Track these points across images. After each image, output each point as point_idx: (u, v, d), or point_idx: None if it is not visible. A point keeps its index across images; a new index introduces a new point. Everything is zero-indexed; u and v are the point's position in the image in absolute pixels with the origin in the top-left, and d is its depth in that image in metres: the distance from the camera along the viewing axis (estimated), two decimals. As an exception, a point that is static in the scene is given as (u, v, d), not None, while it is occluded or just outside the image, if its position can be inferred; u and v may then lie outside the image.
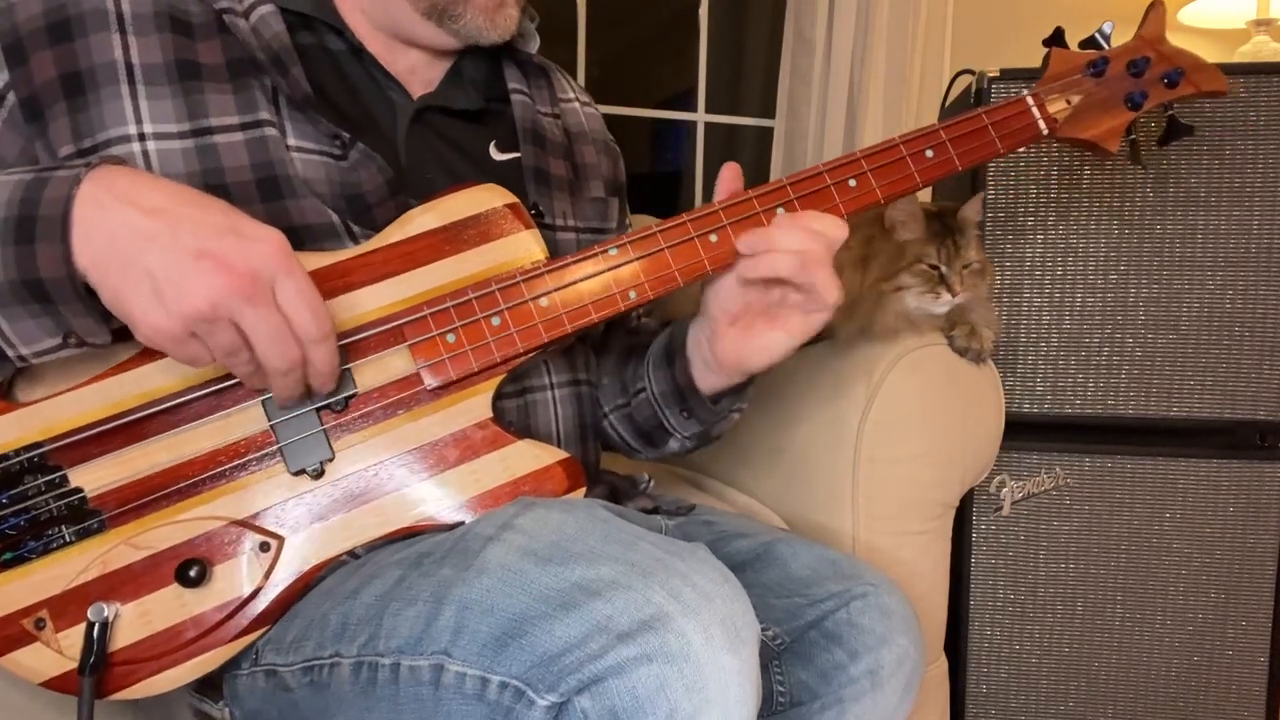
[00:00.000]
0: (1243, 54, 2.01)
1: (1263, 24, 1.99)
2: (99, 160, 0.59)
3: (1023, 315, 1.21)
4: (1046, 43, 0.84)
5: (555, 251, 0.81)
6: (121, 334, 0.61)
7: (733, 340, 0.77)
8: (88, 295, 0.58)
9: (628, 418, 0.91)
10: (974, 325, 1.08)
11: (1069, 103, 0.81)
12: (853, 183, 0.75)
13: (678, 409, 0.85)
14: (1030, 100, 0.81)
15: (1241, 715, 1.22)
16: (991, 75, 1.18)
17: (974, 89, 1.20)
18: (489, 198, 0.72)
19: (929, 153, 0.77)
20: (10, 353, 0.59)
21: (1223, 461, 1.19)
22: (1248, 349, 1.18)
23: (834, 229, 0.72)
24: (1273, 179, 1.15)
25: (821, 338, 1.09)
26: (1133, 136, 0.85)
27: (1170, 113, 0.86)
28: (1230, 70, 1.16)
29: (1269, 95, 1.14)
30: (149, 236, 0.56)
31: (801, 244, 0.71)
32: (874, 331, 1.05)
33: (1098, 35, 0.83)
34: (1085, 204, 1.18)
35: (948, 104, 1.40)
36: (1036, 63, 0.90)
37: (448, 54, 0.85)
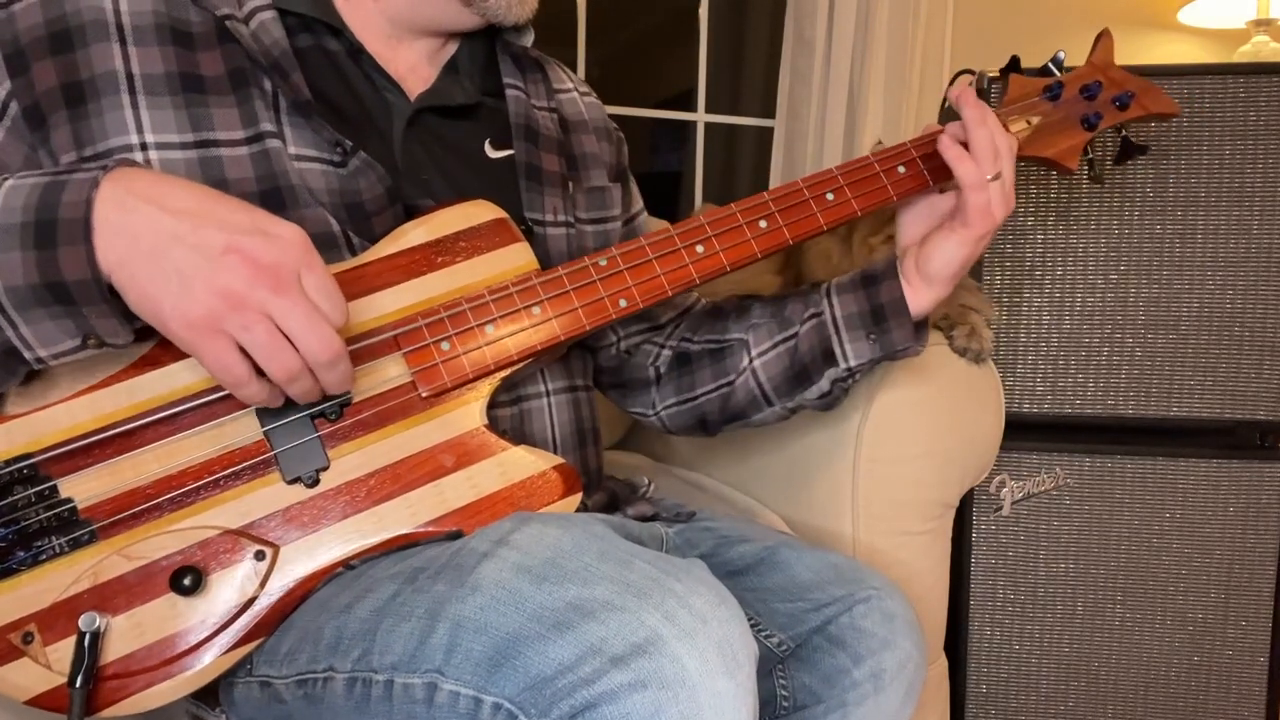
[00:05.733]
0: (1243, 54, 2.00)
1: (1263, 24, 1.98)
2: (114, 163, 0.59)
3: (1023, 315, 1.21)
4: (1003, 71, 0.90)
5: (546, 245, 0.83)
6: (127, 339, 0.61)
7: (924, 248, 0.83)
8: (112, 296, 0.58)
9: (787, 352, 0.88)
10: (974, 325, 1.08)
11: (1029, 123, 0.87)
12: (830, 196, 0.82)
13: (864, 332, 0.85)
14: None
15: (1241, 715, 1.22)
16: (991, 75, 1.17)
17: (974, 89, 1.20)
18: (479, 212, 0.74)
19: (901, 169, 0.83)
20: (28, 354, 0.59)
21: (1222, 461, 1.19)
22: (1248, 349, 1.18)
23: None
24: (1273, 179, 1.15)
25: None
26: (1090, 156, 0.90)
27: (1123, 134, 0.91)
28: (1230, 70, 1.16)
29: (1269, 95, 1.14)
30: (175, 235, 0.56)
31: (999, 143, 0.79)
32: None
33: (1051, 65, 0.89)
34: (1085, 204, 1.18)
35: (947, 104, 1.40)
36: (1036, 63, 0.91)
37: (447, 46, 0.85)
